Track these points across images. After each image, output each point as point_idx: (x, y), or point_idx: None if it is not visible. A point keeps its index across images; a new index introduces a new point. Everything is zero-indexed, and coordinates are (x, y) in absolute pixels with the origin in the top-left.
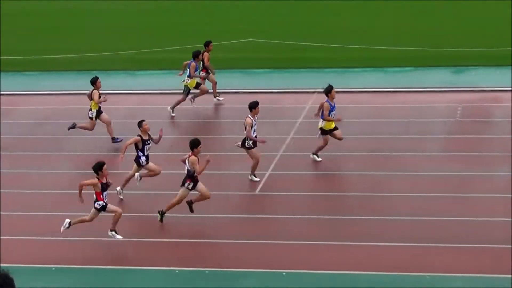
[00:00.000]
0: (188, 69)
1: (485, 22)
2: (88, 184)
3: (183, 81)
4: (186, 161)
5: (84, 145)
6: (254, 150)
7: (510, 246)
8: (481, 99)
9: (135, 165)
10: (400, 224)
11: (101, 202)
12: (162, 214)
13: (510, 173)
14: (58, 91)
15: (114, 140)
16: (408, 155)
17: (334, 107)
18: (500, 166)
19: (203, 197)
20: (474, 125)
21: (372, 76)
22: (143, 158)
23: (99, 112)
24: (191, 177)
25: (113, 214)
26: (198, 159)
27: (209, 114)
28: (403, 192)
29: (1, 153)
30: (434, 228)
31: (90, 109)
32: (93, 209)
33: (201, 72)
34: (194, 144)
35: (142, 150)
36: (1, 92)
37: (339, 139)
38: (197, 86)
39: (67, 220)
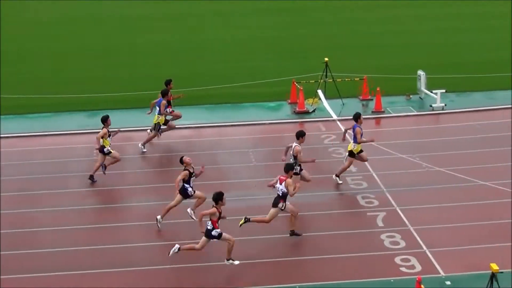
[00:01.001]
0: (157, 107)
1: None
2: (208, 214)
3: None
4: (278, 184)
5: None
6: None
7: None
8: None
9: (178, 196)
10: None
11: (218, 230)
12: (246, 220)
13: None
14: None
15: (91, 177)
16: (50, 193)
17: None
18: (139, 196)
19: (294, 215)
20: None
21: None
22: (190, 189)
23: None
24: (284, 198)
25: (227, 243)
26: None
27: (180, 147)
28: (48, 227)
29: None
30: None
31: (104, 146)
32: (204, 237)
33: (167, 109)
34: (290, 167)
35: (188, 182)
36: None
37: (365, 160)
38: (166, 122)
39: (177, 246)
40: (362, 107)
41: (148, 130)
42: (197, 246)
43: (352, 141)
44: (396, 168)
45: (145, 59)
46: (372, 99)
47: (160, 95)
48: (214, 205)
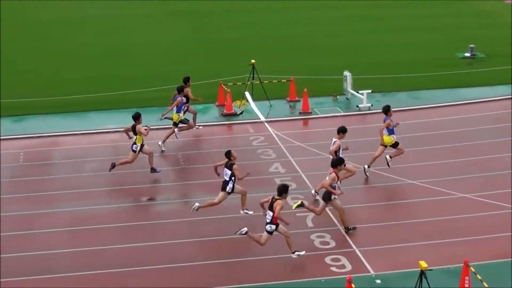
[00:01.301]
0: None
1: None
2: (279, 208)
3: (161, 118)
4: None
5: (125, 179)
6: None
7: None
8: (40, 144)
9: (222, 193)
10: None
11: (273, 226)
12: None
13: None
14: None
15: (153, 170)
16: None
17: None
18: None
19: (341, 213)
20: (35, 168)
21: None
22: (230, 185)
23: (142, 145)
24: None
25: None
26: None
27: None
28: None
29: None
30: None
31: (135, 143)
32: (265, 232)
33: (184, 106)
34: (339, 162)
35: (234, 176)
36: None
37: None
38: (185, 122)
39: (245, 229)
40: (289, 108)
41: (176, 130)
42: (262, 240)
43: (387, 133)
44: (325, 168)
45: (66, 63)
46: (299, 100)
47: (176, 92)
48: (279, 197)
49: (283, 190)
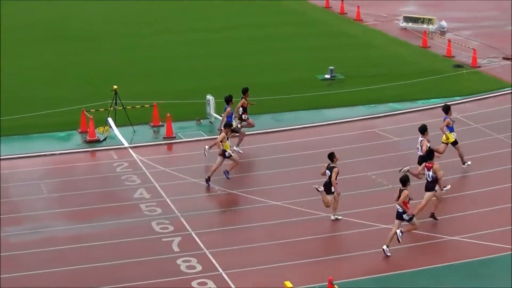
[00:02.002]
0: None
1: None
2: (406, 195)
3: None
4: (426, 171)
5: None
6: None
7: None
8: None
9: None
10: None
11: (409, 215)
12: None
13: None
14: None
15: (207, 180)
16: None
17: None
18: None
19: (439, 201)
20: None
21: None
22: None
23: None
24: (436, 182)
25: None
26: None
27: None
28: None
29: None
30: None
31: (225, 150)
32: (396, 220)
33: (243, 115)
34: (432, 155)
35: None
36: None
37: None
38: (236, 130)
39: (398, 232)
40: (153, 133)
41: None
42: (415, 226)
43: (449, 131)
44: (190, 192)
45: None
46: (163, 125)
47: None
48: (403, 188)
49: (406, 180)
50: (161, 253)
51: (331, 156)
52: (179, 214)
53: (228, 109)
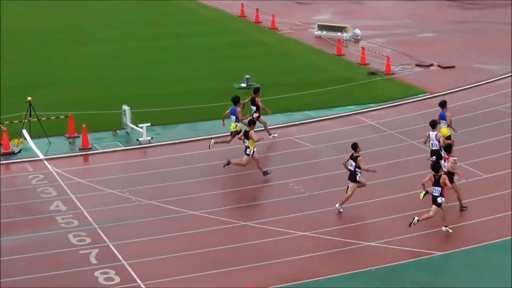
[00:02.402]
0: (232, 116)
1: None
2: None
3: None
4: (443, 161)
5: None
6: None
7: None
8: None
9: (352, 184)
10: None
11: (443, 198)
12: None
13: None
14: None
15: (265, 173)
16: None
17: None
18: None
19: (459, 194)
20: None
21: None
22: (359, 175)
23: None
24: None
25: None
26: None
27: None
28: None
29: None
30: None
31: (248, 147)
32: (434, 206)
33: (254, 114)
34: (450, 149)
35: (360, 168)
36: None
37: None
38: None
39: (416, 218)
40: (69, 144)
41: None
42: (431, 213)
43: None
44: (107, 204)
45: None
46: (78, 136)
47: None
48: (437, 174)
49: (438, 166)
50: (78, 265)
51: (355, 146)
52: (96, 226)
53: (238, 109)
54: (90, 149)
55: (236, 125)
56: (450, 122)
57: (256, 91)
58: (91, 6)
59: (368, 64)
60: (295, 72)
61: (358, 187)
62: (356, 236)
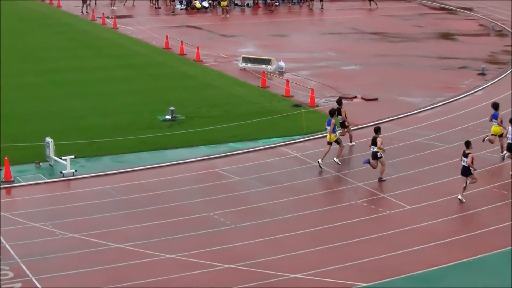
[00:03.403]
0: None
1: None
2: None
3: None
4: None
5: None
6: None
7: None
8: None
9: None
10: None
11: None
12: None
13: None
14: None
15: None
16: None
17: None
18: None
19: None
20: None
21: None
22: (472, 170)
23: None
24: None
25: None
26: None
27: None
28: None
29: None
30: None
31: (378, 152)
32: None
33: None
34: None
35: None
36: None
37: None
38: (338, 141)
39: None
40: None
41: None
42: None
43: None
44: (30, 237)
45: None
46: (1, 169)
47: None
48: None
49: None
50: None
51: (467, 144)
52: (19, 260)
53: (333, 121)
54: (13, 181)
55: (336, 135)
56: (501, 122)
57: (340, 102)
58: (15, 37)
59: (293, 96)
60: (220, 104)
61: (471, 182)
62: (282, 268)
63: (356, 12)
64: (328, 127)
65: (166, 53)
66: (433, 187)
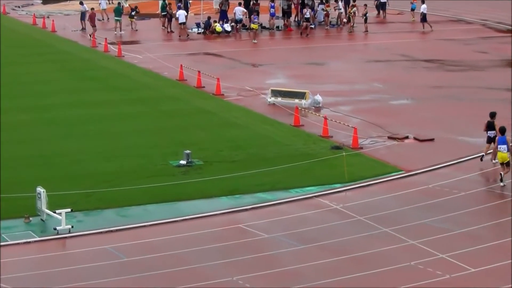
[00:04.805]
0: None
1: None
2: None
3: None
4: None
5: None
6: None
7: None
8: None
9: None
10: None
11: None
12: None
13: None
14: None
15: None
16: None
17: None
18: None
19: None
20: None
21: None
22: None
23: None
24: None
25: None
26: None
27: None
28: None
29: None
30: None
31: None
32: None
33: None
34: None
35: None
36: None
37: None
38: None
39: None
40: None
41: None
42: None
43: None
44: None
45: None
46: None
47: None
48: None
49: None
50: None
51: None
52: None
53: (508, 137)
54: None
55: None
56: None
57: (493, 116)
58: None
59: (332, 136)
60: (245, 146)
61: None
62: None
63: (406, 36)
64: (502, 146)
65: (181, 86)
66: (501, 245)
